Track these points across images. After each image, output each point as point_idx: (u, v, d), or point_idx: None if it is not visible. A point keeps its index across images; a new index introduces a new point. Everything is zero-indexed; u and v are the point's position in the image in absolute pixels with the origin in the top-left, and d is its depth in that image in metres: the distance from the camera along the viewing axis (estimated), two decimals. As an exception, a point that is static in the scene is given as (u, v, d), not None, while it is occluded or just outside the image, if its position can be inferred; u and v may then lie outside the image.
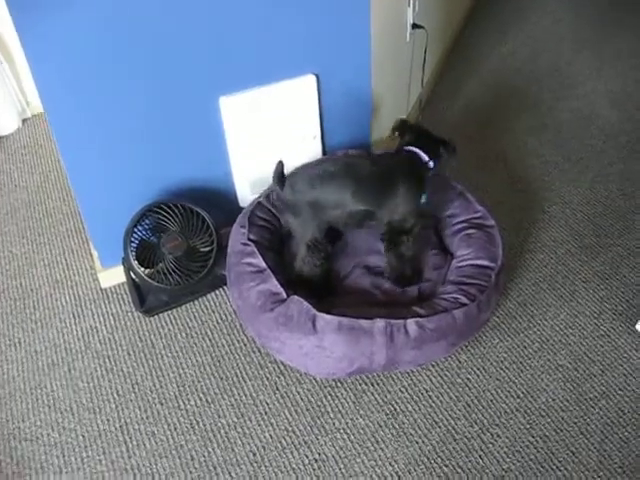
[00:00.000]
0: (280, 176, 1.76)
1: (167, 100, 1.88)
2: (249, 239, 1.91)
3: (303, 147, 2.15)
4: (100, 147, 1.86)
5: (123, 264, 1.97)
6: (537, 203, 2.38)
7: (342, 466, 1.63)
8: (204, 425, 1.74)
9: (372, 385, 1.80)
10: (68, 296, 2.12)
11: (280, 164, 1.76)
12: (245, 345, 1.93)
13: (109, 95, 1.78)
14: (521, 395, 1.76)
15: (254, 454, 1.66)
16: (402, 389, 1.79)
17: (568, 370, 1.81)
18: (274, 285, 1.78)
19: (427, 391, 1.78)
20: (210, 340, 1.95)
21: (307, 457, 1.65)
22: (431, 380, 1.81)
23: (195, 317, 2.03)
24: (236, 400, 1.79)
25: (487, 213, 2.00)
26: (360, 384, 1.81)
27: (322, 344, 1.68)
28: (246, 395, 1.80)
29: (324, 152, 2.21)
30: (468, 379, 1.80)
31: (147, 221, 1.98)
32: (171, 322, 2.01)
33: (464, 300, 1.76)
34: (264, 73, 1.96)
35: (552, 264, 2.13)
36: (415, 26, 2.51)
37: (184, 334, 1.98)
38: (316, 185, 1.73)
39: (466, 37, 3.56)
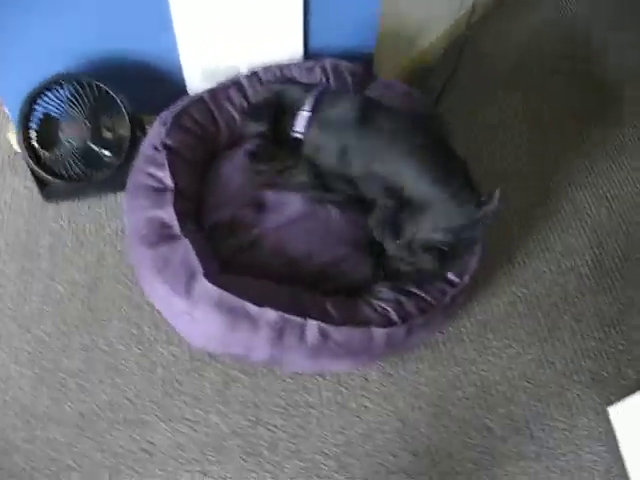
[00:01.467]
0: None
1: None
2: (163, 144, 1.46)
3: (278, 39, 1.62)
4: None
5: (18, 141, 1.60)
6: (559, 195, 1.77)
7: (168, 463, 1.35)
8: (44, 365, 1.46)
9: (248, 376, 1.45)
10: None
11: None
12: (132, 273, 1.59)
13: None
14: (420, 452, 1.37)
15: (82, 416, 1.40)
16: (281, 394, 1.43)
17: (495, 440, 1.39)
18: (169, 214, 1.36)
19: (309, 406, 1.42)
20: (97, 255, 1.62)
21: (136, 440, 1.37)
22: (320, 394, 1.43)
23: (94, 219, 1.68)
24: (91, 342, 1.49)
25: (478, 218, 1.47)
26: (234, 369, 1.46)
27: (193, 314, 1.30)
28: (104, 338, 1.50)
29: (306, 53, 1.67)
30: (365, 407, 1.42)
31: (60, 93, 1.58)
32: (67, 217, 1.68)
33: (394, 317, 1.32)
34: None
35: (545, 281, 1.61)
36: None
37: (74, 238, 1.65)
38: None
39: None
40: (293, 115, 1.37)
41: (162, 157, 1.45)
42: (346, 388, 1.44)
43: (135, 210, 1.42)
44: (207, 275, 1.31)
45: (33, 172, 1.65)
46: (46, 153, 1.61)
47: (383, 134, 1.31)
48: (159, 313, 1.50)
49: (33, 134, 1.59)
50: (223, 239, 1.45)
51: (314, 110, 1.35)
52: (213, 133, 1.57)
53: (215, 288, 1.29)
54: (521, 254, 1.65)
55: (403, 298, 1.36)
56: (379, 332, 1.30)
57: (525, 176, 1.79)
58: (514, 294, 1.58)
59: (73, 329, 1.51)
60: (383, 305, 1.34)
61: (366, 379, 1.45)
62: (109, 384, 1.44)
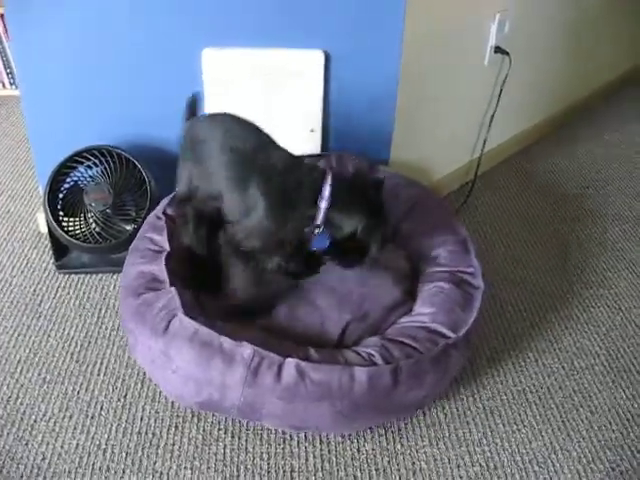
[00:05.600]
0: (190, 110, 1.51)
1: (145, 41, 1.62)
2: (164, 213, 1.56)
3: (298, 137, 1.76)
4: (59, 76, 1.66)
5: (44, 208, 1.69)
6: (572, 304, 1.75)
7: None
8: (17, 408, 1.38)
9: (231, 436, 1.34)
10: (4, 229, 1.91)
11: (192, 98, 1.50)
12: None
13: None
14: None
15: (44, 458, 1.27)
16: (264, 457, 1.30)
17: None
18: (161, 270, 1.41)
19: (293, 471, 1.27)
20: (97, 318, 1.61)
21: (97, 490, 1.23)
22: (307, 460, 1.30)
23: (100, 289, 1.70)
24: (72, 391, 1.41)
25: (479, 272, 1.47)
26: (216, 428, 1.35)
27: (168, 351, 1.26)
28: (87, 389, 1.42)
29: (324, 150, 1.80)
30: (354, 478, 1.27)
31: (90, 164, 1.70)
32: (75, 286, 1.70)
33: (377, 360, 1.25)
34: (261, 32, 1.63)
35: (558, 376, 1.51)
36: (499, 50, 2.04)
37: (77, 303, 1.65)
38: (200, 120, 1.41)
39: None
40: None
41: (162, 224, 1.54)
42: (336, 457, 1.30)
43: (130, 266, 1.47)
44: (186, 312, 1.30)
45: (52, 237, 1.71)
46: (70, 219, 1.69)
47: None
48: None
49: (60, 201, 1.69)
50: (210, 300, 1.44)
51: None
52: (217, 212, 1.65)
53: (191, 322, 1.28)
54: (532, 351, 1.57)
55: (390, 345, 1.30)
56: (360, 371, 1.21)
57: (537, 285, 1.79)
58: (523, 384, 1.48)
59: (57, 379, 1.44)
60: (369, 350, 1.29)
61: (358, 450, 1.32)
62: (81, 430, 1.33)
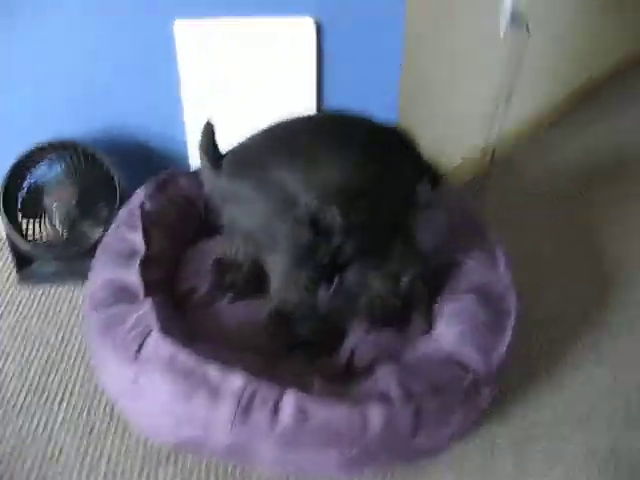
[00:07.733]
0: (210, 148, 1.14)
1: (109, 20, 1.41)
2: (141, 207, 1.33)
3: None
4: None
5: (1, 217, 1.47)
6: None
7: None
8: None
9: (210, 475, 1.12)
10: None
11: (209, 127, 1.13)
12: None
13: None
14: None
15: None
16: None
17: None
18: (134, 278, 1.18)
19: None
20: (62, 336, 1.39)
21: None
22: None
23: (67, 301, 1.48)
24: (29, 426, 1.20)
25: (511, 284, 1.23)
26: (196, 470, 1.13)
27: (138, 381, 1.04)
28: (45, 424, 1.20)
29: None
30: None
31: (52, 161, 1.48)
32: (39, 299, 1.48)
33: (394, 394, 1.01)
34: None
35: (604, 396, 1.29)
36: (515, 19, 1.80)
37: (42, 317, 1.44)
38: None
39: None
40: None
41: (137, 220, 1.31)
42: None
43: (97, 272, 1.24)
44: (162, 329, 1.07)
45: (11, 244, 1.50)
46: (30, 221, 1.48)
47: None
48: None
49: (19, 203, 1.48)
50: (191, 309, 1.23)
51: None
52: (200, 209, 1.43)
53: (167, 344, 1.05)
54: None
55: (408, 377, 1.06)
56: (375, 412, 0.99)
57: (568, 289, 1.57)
58: (559, 410, 1.26)
59: (13, 411, 1.23)
60: (384, 381, 1.05)
61: (368, 491, 1.10)
62: (37, 476, 1.12)
